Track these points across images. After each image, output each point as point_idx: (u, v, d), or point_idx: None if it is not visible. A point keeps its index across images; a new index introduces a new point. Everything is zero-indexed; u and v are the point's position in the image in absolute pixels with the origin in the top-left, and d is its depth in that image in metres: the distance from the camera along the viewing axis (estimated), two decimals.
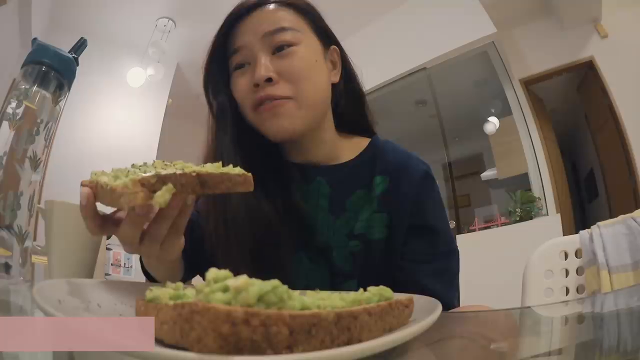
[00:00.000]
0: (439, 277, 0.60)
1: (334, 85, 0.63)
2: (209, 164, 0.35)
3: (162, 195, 0.29)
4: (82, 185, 0.34)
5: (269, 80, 0.55)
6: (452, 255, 0.63)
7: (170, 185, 0.30)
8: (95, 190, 0.33)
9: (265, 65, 0.55)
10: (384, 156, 0.63)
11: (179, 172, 0.31)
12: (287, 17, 0.59)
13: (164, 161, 0.36)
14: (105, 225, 0.36)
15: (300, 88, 0.56)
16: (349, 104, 0.67)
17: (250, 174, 0.34)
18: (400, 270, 0.60)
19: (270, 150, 0.62)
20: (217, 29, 0.60)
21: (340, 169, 0.64)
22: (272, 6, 0.59)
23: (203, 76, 0.63)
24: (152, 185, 0.29)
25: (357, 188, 0.62)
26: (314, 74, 0.58)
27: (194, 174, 0.31)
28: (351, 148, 0.66)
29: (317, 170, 0.63)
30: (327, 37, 0.64)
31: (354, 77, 0.68)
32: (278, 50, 0.57)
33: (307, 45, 0.59)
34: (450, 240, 0.64)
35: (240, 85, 0.58)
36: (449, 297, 0.59)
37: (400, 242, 0.60)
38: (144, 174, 0.30)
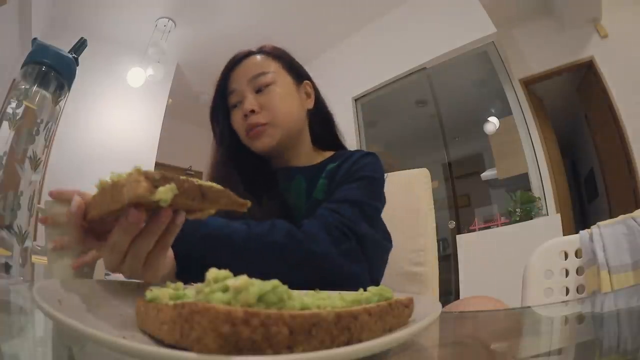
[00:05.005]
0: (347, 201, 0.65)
1: (310, 112, 0.83)
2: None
3: (166, 192, 0.28)
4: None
5: (253, 111, 0.75)
6: (373, 200, 0.69)
7: (173, 185, 0.29)
8: (89, 202, 0.35)
9: (250, 101, 0.75)
10: (341, 154, 0.80)
11: (182, 177, 0.30)
12: (265, 63, 0.79)
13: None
14: (87, 238, 0.39)
15: (274, 115, 0.75)
16: (322, 126, 0.86)
17: (248, 202, 0.36)
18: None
19: (260, 161, 0.81)
20: (218, 76, 0.80)
21: (313, 168, 0.80)
22: (255, 56, 0.80)
23: (210, 110, 0.83)
24: (156, 180, 0.29)
25: (321, 179, 0.77)
26: (286, 104, 0.77)
27: (196, 183, 0.31)
28: (323, 156, 0.83)
29: (296, 170, 0.80)
30: (298, 75, 0.83)
31: (324, 104, 0.87)
32: (260, 89, 0.76)
33: (281, 83, 0.78)
34: (379, 195, 0.71)
35: (236, 117, 0.79)
36: (352, 220, 0.61)
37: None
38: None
